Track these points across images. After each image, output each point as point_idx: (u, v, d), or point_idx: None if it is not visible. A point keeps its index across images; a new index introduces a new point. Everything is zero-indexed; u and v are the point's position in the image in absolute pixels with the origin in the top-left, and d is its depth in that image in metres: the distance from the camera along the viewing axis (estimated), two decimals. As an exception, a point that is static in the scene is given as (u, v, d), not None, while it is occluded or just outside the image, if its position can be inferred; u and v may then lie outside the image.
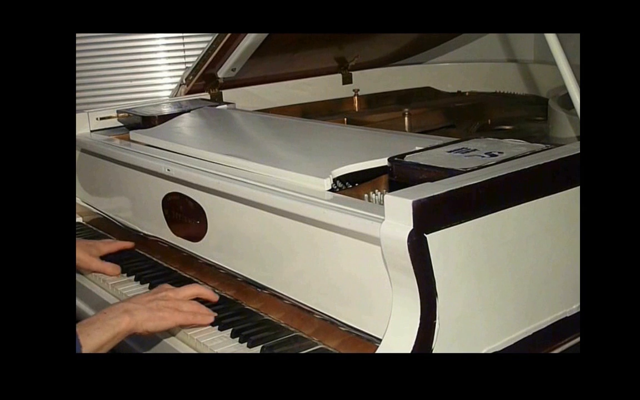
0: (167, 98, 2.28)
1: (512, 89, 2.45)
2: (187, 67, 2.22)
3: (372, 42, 2.35)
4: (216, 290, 1.39)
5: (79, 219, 1.91)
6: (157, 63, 2.99)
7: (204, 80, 2.15)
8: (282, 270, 1.25)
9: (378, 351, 1.00)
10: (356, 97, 2.42)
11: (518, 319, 1.07)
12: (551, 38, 1.28)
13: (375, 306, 1.06)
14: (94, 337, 1.10)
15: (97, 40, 2.90)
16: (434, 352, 0.97)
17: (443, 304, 0.97)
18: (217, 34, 2.04)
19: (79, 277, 1.57)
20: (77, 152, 1.87)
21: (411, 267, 0.95)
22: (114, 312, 1.16)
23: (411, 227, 0.95)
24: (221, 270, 1.39)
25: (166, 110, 1.89)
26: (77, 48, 2.80)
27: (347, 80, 2.44)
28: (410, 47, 2.48)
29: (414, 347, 0.96)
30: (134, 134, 1.75)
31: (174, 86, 2.33)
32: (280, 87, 2.30)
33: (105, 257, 1.59)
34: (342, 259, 1.11)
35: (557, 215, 1.11)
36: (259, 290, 1.29)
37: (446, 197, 0.98)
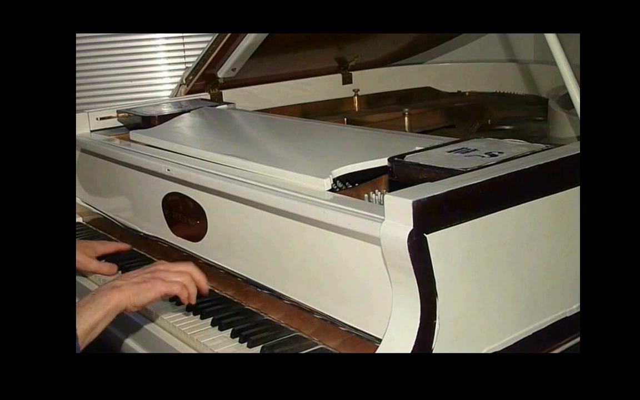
0: (167, 98, 2.28)
1: (512, 89, 2.45)
2: (187, 67, 2.22)
3: (372, 42, 2.35)
4: (216, 290, 1.39)
5: (79, 219, 1.91)
6: (157, 63, 2.99)
7: (204, 80, 2.15)
8: (282, 270, 1.25)
9: (378, 351, 1.00)
10: (356, 97, 2.42)
11: (518, 319, 1.07)
12: (551, 38, 1.28)
13: (375, 306, 1.06)
14: (87, 317, 1.11)
15: (97, 40, 2.90)
16: (434, 352, 0.97)
17: (443, 304, 0.97)
18: (217, 34, 2.04)
19: (78, 277, 1.57)
20: (77, 152, 1.87)
21: (411, 267, 0.95)
22: (103, 291, 1.17)
23: (411, 227, 0.95)
24: (221, 270, 1.39)
25: (166, 110, 1.89)
26: (77, 48, 2.80)
27: (347, 80, 2.44)
28: (410, 47, 2.48)
29: (414, 347, 0.96)
30: (134, 134, 1.75)
31: (174, 86, 2.33)
32: (280, 87, 2.30)
33: (105, 258, 1.59)
34: (342, 259, 1.11)
35: (557, 215, 1.11)
36: (259, 290, 1.29)
37: (446, 197, 0.98)
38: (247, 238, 1.32)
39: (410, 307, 0.97)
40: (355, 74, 2.45)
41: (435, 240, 0.96)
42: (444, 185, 1.00)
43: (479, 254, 1.02)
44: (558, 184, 1.11)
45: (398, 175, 1.16)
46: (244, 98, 2.18)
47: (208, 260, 1.43)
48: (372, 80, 2.49)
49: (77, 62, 2.79)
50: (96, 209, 1.84)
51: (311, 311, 1.18)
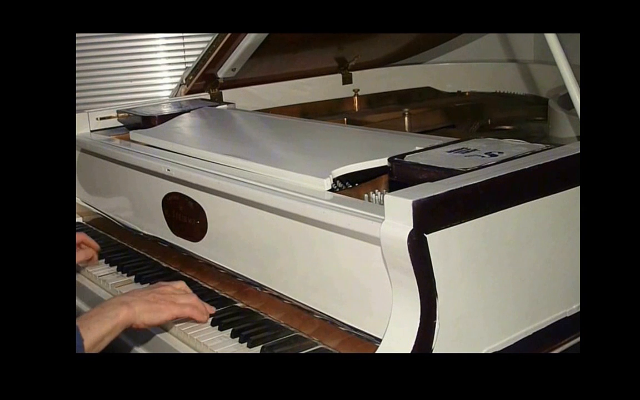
0: (167, 98, 2.28)
1: (512, 89, 2.45)
2: (187, 67, 2.22)
3: (372, 42, 2.35)
4: (216, 290, 1.39)
5: (79, 219, 1.91)
6: (157, 63, 2.99)
7: (204, 80, 2.15)
8: (282, 270, 1.25)
9: (378, 351, 1.00)
10: (356, 97, 2.42)
11: (518, 319, 1.07)
12: (551, 38, 1.28)
13: (375, 306, 1.06)
14: (94, 330, 1.11)
15: (97, 40, 2.91)
16: (434, 352, 0.97)
17: (443, 304, 0.97)
18: (217, 34, 2.04)
19: (79, 277, 1.58)
20: (77, 152, 1.87)
21: (411, 267, 0.95)
22: (112, 305, 1.17)
23: (411, 227, 0.95)
24: (221, 270, 1.39)
25: (166, 110, 1.89)
26: (77, 48, 2.80)
27: (347, 80, 2.44)
28: (410, 47, 2.48)
29: (414, 347, 0.96)
30: (134, 134, 1.75)
31: (174, 86, 2.33)
32: (280, 87, 2.30)
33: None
34: (342, 259, 1.11)
35: (557, 215, 1.11)
36: (259, 290, 1.29)
37: (446, 197, 0.98)
38: (247, 238, 1.32)
39: (410, 307, 0.97)
40: (355, 74, 2.45)
41: (435, 240, 0.96)
42: (444, 185, 1.00)
43: (479, 254, 1.02)
44: (558, 184, 1.11)
45: (398, 175, 1.16)
46: (244, 98, 2.18)
47: (208, 260, 1.43)
48: (372, 80, 2.49)
49: (77, 62, 2.79)
50: (96, 209, 1.84)
51: (311, 311, 1.18)
